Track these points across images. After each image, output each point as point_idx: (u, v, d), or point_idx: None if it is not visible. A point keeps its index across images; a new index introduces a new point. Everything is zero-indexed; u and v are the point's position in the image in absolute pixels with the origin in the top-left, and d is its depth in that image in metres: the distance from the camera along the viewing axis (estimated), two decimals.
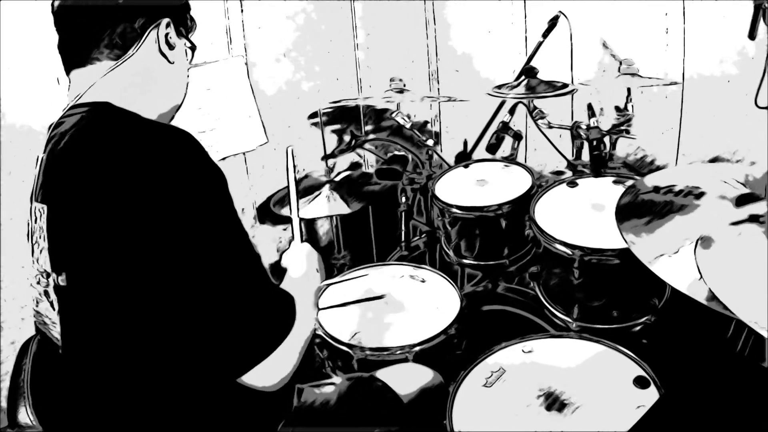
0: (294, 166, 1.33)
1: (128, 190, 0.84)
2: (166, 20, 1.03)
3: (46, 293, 0.96)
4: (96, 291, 0.89)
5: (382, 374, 1.35)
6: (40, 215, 0.95)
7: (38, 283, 0.97)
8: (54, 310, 0.96)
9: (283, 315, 0.96)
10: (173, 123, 1.10)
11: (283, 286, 1.11)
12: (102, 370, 0.94)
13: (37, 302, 0.99)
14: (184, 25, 1.10)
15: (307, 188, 2.17)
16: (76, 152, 0.92)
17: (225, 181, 0.92)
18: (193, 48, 1.12)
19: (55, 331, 0.97)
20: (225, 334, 0.88)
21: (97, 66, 0.99)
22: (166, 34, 1.04)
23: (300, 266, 1.16)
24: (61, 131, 0.95)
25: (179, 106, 1.11)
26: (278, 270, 1.21)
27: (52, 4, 1.02)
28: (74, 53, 1.01)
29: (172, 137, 0.90)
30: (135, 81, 1.00)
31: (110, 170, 0.86)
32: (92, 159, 0.89)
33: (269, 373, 0.92)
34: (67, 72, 1.03)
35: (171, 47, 1.05)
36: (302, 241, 1.24)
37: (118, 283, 0.87)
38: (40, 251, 0.95)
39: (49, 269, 0.94)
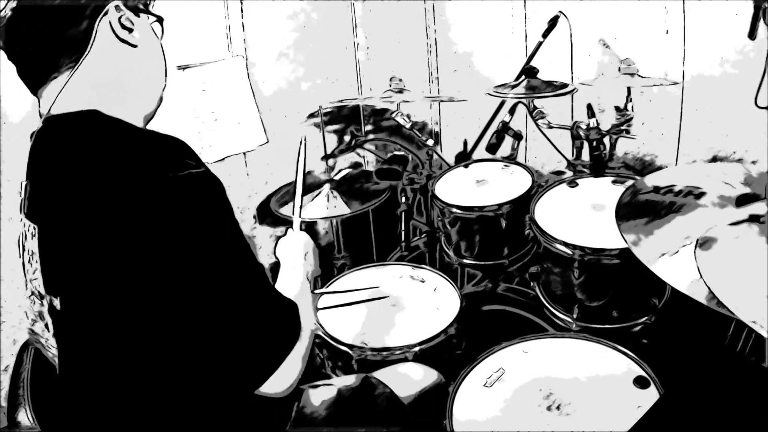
0: (305, 157, 1.34)
1: (121, 208, 0.81)
2: (113, 4, 0.95)
3: (41, 315, 0.94)
4: (92, 313, 0.86)
5: (382, 375, 1.35)
6: (32, 236, 0.92)
7: (33, 303, 0.95)
8: (49, 331, 0.94)
9: (289, 324, 0.95)
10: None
11: (279, 285, 1.11)
12: (102, 386, 0.92)
13: (33, 322, 0.97)
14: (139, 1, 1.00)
15: (307, 188, 2.17)
16: (64, 168, 0.88)
17: (223, 189, 0.89)
18: (159, 20, 1.03)
19: (51, 353, 0.96)
20: (230, 350, 0.87)
21: (60, 78, 0.93)
22: (120, 17, 0.95)
23: (294, 254, 1.16)
24: (45, 144, 0.92)
25: (164, 86, 1.05)
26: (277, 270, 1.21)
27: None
28: (34, 75, 0.95)
29: (165, 146, 0.87)
30: (103, 77, 0.95)
31: (101, 186, 0.82)
32: (81, 175, 0.85)
33: (277, 379, 0.92)
34: (35, 94, 0.98)
35: (129, 30, 0.96)
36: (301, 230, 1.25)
37: (116, 305, 0.84)
38: (34, 272, 0.92)
39: (43, 291, 0.91)
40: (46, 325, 0.94)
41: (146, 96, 1.02)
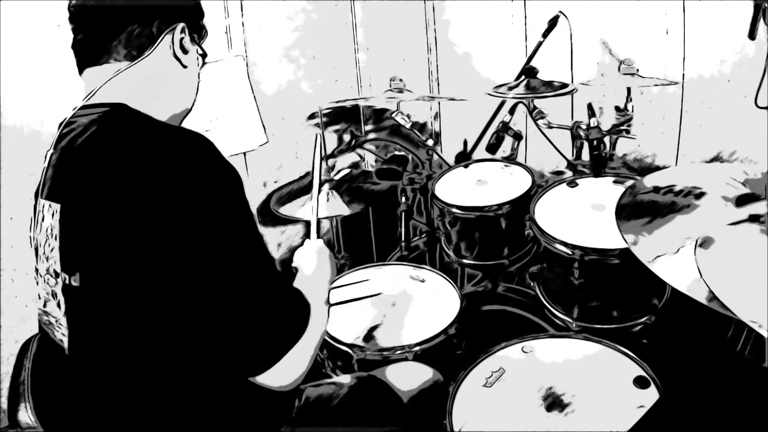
0: (321, 156, 1.24)
1: (146, 192, 0.85)
2: (181, 25, 1.05)
3: (54, 293, 0.96)
4: (110, 292, 0.89)
5: (381, 373, 1.35)
6: (53, 214, 0.94)
7: (47, 282, 0.97)
8: (60, 310, 0.95)
9: (298, 315, 0.96)
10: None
11: (296, 284, 1.11)
12: (110, 370, 0.93)
13: (45, 302, 0.99)
14: (198, 31, 1.12)
15: (307, 188, 2.17)
16: (94, 152, 0.92)
17: (240, 182, 0.93)
18: (203, 55, 1.14)
19: (59, 333, 0.97)
20: (240, 336, 0.89)
21: (111, 65, 1.01)
22: (181, 39, 1.06)
23: (311, 263, 1.15)
24: (76, 129, 0.95)
25: (189, 110, 1.13)
26: (285, 269, 1.20)
27: (70, 2, 1.03)
28: (90, 51, 1.02)
29: (188, 140, 0.91)
30: (148, 83, 1.02)
31: (128, 172, 0.87)
32: (111, 160, 0.89)
33: (284, 372, 0.92)
34: (81, 70, 1.04)
35: (185, 52, 1.07)
36: (318, 237, 1.23)
37: (132, 285, 0.87)
38: (51, 250, 0.95)
39: (58, 269, 0.94)
40: (59, 304, 0.96)
41: (173, 111, 1.07)
